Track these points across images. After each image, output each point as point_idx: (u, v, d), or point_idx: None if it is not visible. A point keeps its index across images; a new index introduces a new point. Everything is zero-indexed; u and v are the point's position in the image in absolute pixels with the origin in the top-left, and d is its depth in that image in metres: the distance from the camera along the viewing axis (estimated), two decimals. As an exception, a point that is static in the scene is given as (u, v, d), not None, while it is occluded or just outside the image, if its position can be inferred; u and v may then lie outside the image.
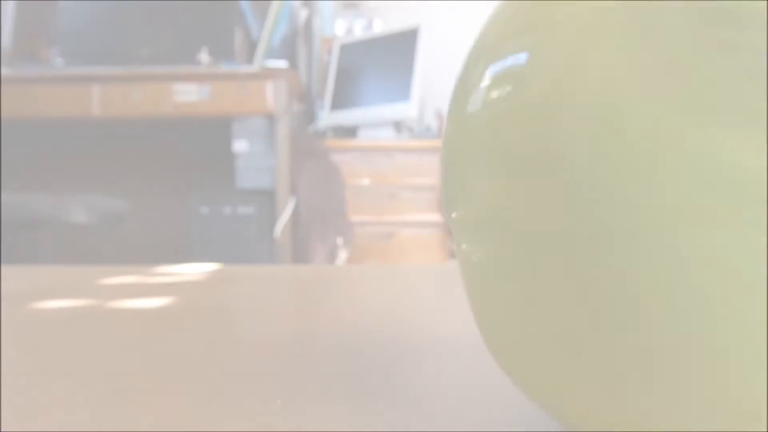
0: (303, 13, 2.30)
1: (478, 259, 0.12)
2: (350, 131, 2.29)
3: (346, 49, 2.36)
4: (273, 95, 1.89)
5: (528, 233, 0.11)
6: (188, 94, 1.88)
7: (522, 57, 0.11)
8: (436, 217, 2.17)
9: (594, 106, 0.10)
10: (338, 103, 2.29)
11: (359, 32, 2.67)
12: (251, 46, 2.22)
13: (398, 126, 2.28)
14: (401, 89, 2.17)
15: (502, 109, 0.11)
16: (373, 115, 2.21)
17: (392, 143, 2.19)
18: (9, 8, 2.19)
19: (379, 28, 2.69)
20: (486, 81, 0.11)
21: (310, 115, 2.44)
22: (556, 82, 0.10)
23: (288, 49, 2.08)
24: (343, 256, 1.95)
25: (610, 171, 0.09)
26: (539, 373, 0.12)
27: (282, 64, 1.93)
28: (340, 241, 1.95)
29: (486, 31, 0.12)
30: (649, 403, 0.10)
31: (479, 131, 0.11)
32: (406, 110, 2.15)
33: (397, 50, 2.23)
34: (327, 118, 2.29)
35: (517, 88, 0.11)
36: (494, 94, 0.11)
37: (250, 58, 2.19)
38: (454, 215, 0.13)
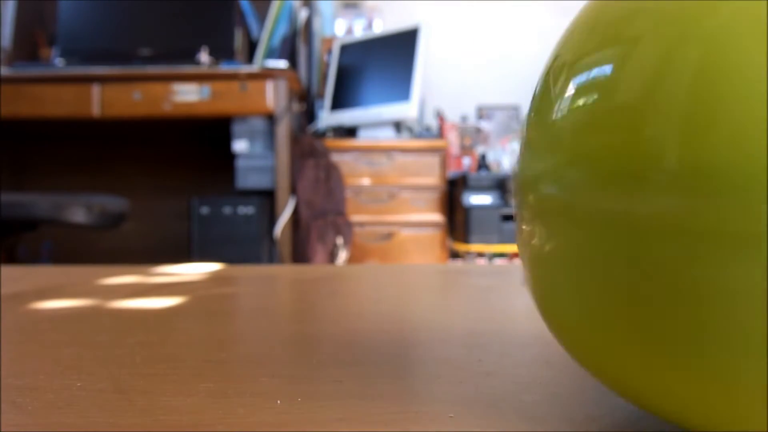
0: (303, 13, 2.29)
1: (546, 243, 0.14)
2: (350, 131, 2.29)
3: (346, 49, 2.36)
4: (273, 95, 1.89)
5: (606, 221, 0.12)
6: (188, 94, 1.88)
7: (606, 68, 0.12)
8: (436, 216, 2.17)
9: (685, 111, 0.11)
10: (338, 103, 2.29)
11: (359, 32, 2.67)
12: (251, 46, 2.22)
13: (398, 126, 2.28)
14: (401, 89, 2.17)
15: (588, 115, 0.12)
16: (373, 115, 2.21)
17: (392, 143, 2.19)
18: (9, 8, 2.19)
19: (379, 28, 2.69)
20: (570, 91, 0.13)
21: (310, 115, 2.44)
22: (644, 90, 0.11)
23: (288, 49, 2.08)
24: (343, 256, 1.95)
25: (698, 174, 0.10)
26: (597, 348, 0.13)
27: (282, 64, 1.93)
28: (340, 241, 1.95)
29: (563, 49, 0.14)
30: (701, 371, 0.11)
31: (564, 135, 0.13)
32: (406, 110, 2.15)
33: (397, 50, 2.23)
34: (327, 118, 2.29)
35: (603, 96, 0.12)
36: (580, 102, 0.13)
37: (250, 58, 2.19)
38: (530, 198, 0.14)
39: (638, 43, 0.12)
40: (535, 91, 0.15)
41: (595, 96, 0.12)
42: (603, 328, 0.13)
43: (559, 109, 0.13)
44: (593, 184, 0.12)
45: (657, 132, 0.11)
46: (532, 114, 0.15)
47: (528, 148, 0.15)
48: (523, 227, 0.15)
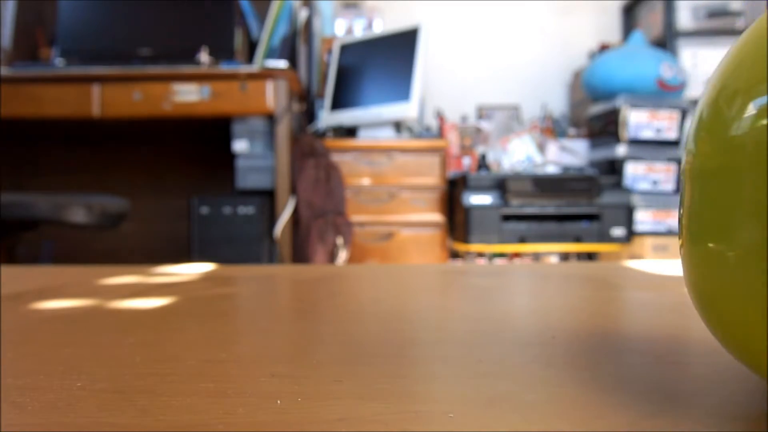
0: (303, 13, 2.29)
1: (729, 245, 0.15)
2: (350, 131, 2.29)
3: (346, 49, 2.36)
4: (273, 95, 1.89)
5: None
6: (188, 94, 1.88)
7: None
8: (435, 216, 2.17)
9: None
10: (338, 103, 2.29)
11: (359, 32, 2.67)
12: (251, 46, 2.22)
13: (398, 126, 2.28)
14: (401, 89, 2.17)
15: None
16: (373, 115, 2.21)
17: (392, 143, 2.19)
18: (9, 8, 2.19)
19: (379, 28, 2.69)
20: (750, 112, 0.15)
21: (310, 115, 2.44)
22: None
23: (288, 49, 2.08)
24: (343, 256, 1.95)
25: None
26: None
27: (282, 64, 1.93)
28: (340, 241, 1.95)
29: (731, 78, 0.16)
30: None
31: (745, 150, 0.15)
32: (406, 110, 2.15)
33: (397, 50, 2.23)
34: (327, 118, 2.29)
35: None
36: (763, 121, 0.15)
37: (250, 58, 2.19)
38: (717, 203, 0.16)
39: None
40: (701, 114, 0.17)
41: None
42: None
43: (739, 128, 0.15)
44: None
45: None
46: (703, 133, 0.17)
47: (703, 160, 0.17)
48: (700, 234, 0.16)
